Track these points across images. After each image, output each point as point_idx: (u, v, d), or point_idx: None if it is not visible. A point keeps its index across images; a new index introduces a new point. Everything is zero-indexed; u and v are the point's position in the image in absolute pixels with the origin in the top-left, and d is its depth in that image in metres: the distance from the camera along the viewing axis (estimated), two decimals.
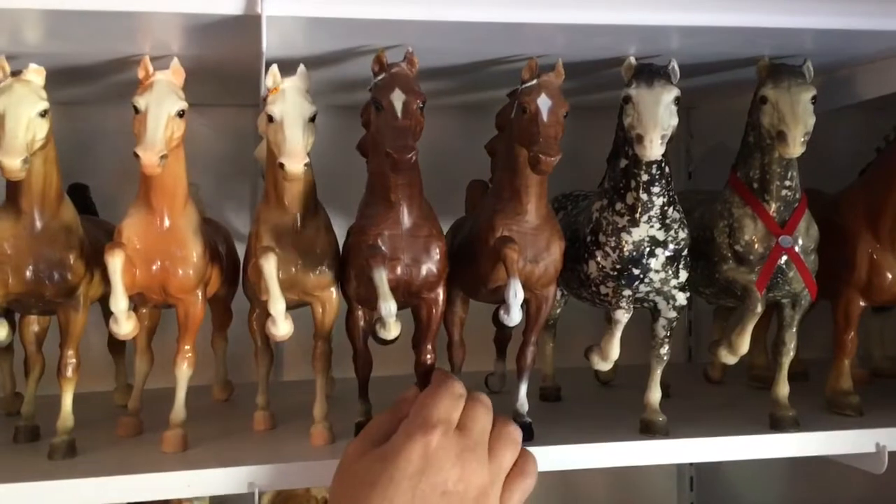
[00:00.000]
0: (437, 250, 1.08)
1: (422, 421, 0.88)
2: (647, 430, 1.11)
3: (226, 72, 1.19)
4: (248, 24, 0.90)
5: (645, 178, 1.06)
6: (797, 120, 1.04)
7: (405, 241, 1.06)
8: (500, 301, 1.18)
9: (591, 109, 1.34)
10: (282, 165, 0.95)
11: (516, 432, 0.93)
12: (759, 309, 1.08)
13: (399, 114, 0.98)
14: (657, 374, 1.14)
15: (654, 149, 0.99)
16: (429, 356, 1.11)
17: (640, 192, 1.07)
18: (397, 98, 0.99)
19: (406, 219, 1.06)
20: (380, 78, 1.02)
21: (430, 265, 1.07)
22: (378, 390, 1.14)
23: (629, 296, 1.09)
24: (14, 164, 0.91)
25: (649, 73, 1.04)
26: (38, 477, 0.97)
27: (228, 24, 0.91)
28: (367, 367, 1.18)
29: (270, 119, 0.98)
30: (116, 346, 1.35)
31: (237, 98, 1.45)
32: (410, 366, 1.12)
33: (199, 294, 1.07)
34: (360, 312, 1.16)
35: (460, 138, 1.56)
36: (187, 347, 1.09)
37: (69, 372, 1.06)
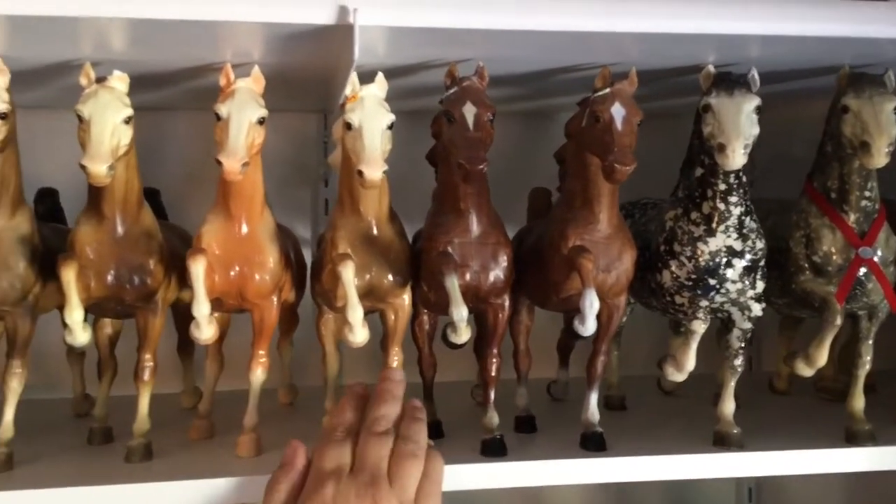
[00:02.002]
0: (505, 257, 1.09)
1: (313, 478, 0.90)
2: (722, 443, 1.10)
3: (297, 78, 1.19)
4: (336, 33, 0.91)
5: (722, 187, 1.05)
6: (881, 130, 1.03)
7: (474, 248, 1.08)
8: (570, 310, 1.19)
9: (656, 116, 1.34)
10: (360, 173, 0.96)
11: (411, 444, 0.92)
12: (839, 321, 1.07)
13: (470, 126, 1.01)
14: (731, 385, 1.12)
15: (737, 158, 0.98)
16: (494, 361, 1.12)
17: (717, 201, 1.06)
18: (469, 110, 1.01)
19: (475, 226, 1.08)
20: (451, 91, 1.04)
21: (497, 272, 1.09)
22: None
23: (706, 306, 1.08)
24: (100, 170, 0.92)
25: (729, 81, 1.03)
26: (117, 480, 0.98)
27: (316, 33, 0.92)
28: (432, 370, 1.22)
29: (349, 126, 0.99)
30: (186, 349, 1.36)
31: (301, 104, 1.46)
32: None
33: (275, 299, 1.08)
34: (425, 317, 1.19)
35: (521, 145, 1.56)
36: (262, 352, 1.10)
37: (146, 375, 1.08)
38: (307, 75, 1.16)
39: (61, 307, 1.14)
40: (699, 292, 1.07)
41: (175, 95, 1.30)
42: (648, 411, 1.34)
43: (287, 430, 1.20)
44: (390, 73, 1.02)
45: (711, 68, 1.06)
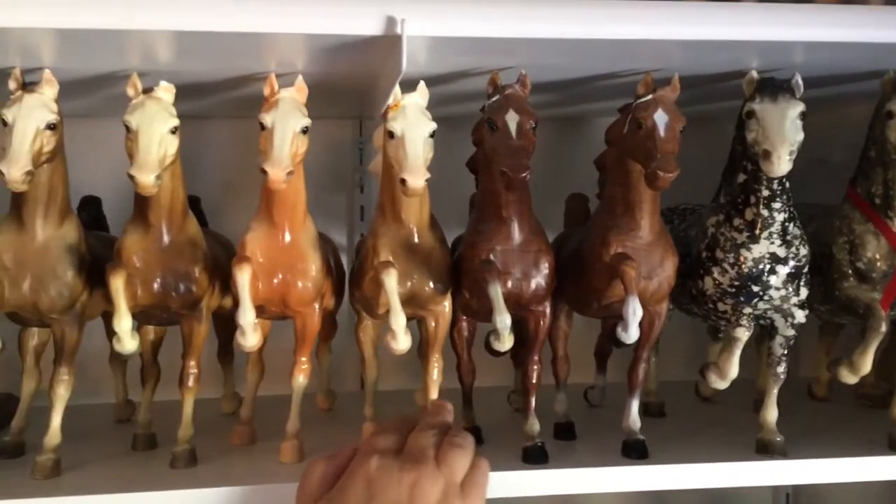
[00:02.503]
0: (546, 265, 1.09)
1: (358, 455, 0.89)
2: (765, 450, 1.10)
3: (335, 86, 1.20)
4: (381, 43, 0.91)
5: (766, 193, 1.05)
6: None
7: (516, 255, 1.08)
8: (611, 316, 1.19)
9: (692, 121, 1.33)
10: (403, 181, 0.96)
11: (461, 439, 0.92)
12: (884, 328, 1.06)
13: (513, 134, 1.01)
14: (773, 393, 1.12)
15: (783, 165, 0.97)
16: (535, 368, 1.12)
17: (761, 207, 1.05)
18: (511, 119, 1.01)
19: (517, 234, 1.08)
20: (494, 99, 1.04)
21: (539, 279, 1.09)
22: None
23: (749, 313, 1.07)
24: (148, 180, 0.93)
25: (773, 87, 1.03)
26: (164, 486, 0.99)
27: (362, 44, 0.93)
28: (471, 377, 1.22)
29: (391, 135, 0.99)
30: (226, 354, 1.38)
31: (337, 111, 1.47)
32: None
33: (317, 307, 1.09)
34: (464, 323, 1.19)
35: (556, 150, 1.56)
36: (304, 359, 1.11)
37: (191, 382, 1.09)
38: (346, 83, 1.17)
39: (105, 314, 1.16)
40: (742, 299, 1.07)
41: (214, 104, 1.31)
42: (687, 418, 1.33)
43: (327, 435, 1.22)
44: (431, 81, 1.03)
45: (755, 74, 1.05)
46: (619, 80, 1.17)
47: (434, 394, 1.12)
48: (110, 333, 1.26)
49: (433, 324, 1.11)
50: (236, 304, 1.02)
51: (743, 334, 1.07)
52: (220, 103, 1.30)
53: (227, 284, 1.12)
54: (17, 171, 0.91)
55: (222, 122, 1.50)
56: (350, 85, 1.18)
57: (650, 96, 1.03)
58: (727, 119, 1.28)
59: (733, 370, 1.07)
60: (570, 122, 1.50)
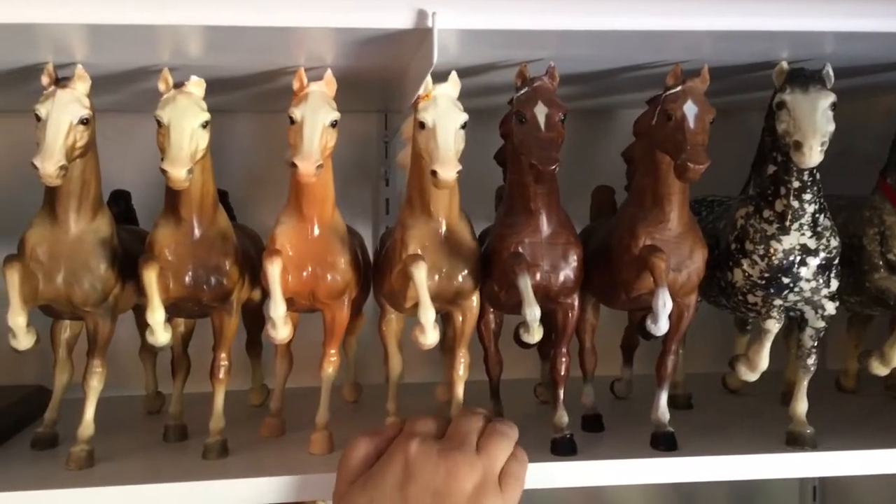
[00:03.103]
0: (575, 257, 1.09)
1: (399, 438, 0.90)
2: (795, 442, 1.09)
3: (361, 80, 1.20)
4: (411, 36, 0.92)
5: (796, 184, 1.04)
6: None
7: (544, 248, 1.08)
8: (639, 309, 1.19)
9: (719, 112, 1.32)
10: (434, 173, 0.95)
11: (506, 427, 0.92)
12: None
13: (542, 126, 1.01)
14: (803, 385, 1.11)
15: (814, 156, 0.97)
16: (563, 360, 1.12)
17: (791, 198, 1.05)
18: (540, 111, 1.01)
19: (545, 226, 1.08)
20: (522, 91, 1.04)
21: (567, 271, 1.09)
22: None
23: (780, 305, 1.07)
24: (180, 174, 0.94)
25: (804, 77, 1.02)
26: (196, 476, 1.01)
27: (391, 37, 0.93)
28: (498, 369, 1.22)
29: (422, 126, 0.99)
30: (254, 347, 1.38)
31: (362, 104, 1.47)
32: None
33: (346, 299, 1.09)
34: (491, 316, 1.19)
35: (582, 142, 1.55)
36: (332, 352, 1.11)
37: (222, 374, 1.10)
38: (373, 76, 1.17)
39: (136, 307, 1.17)
40: (772, 291, 1.06)
41: (240, 98, 1.32)
42: (715, 410, 1.33)
43: (354, 427, 1.22)
44: (458, 74, 1.03)
45: (785, 65, 1.05)
46: (647, 72, 1.16)
47: (460, 390, 1.12)
48: (142, 326, 1.27)
49: (461, 318, 1.11)
50: (265, 296, 1.02)
51: (773, 326, 1.06)
52: (245, 97, 1.31)
53: (256, 277, 1.13)
54: (51, 165, 0.92)
55: (247, 116, 1.51)
56: (377, 78, 1.18)
57: (679, 87, 1.03)
58: (754, 109, 1.27)
59: (763, 362, 1.07)
60: (596, 113, 1.49)
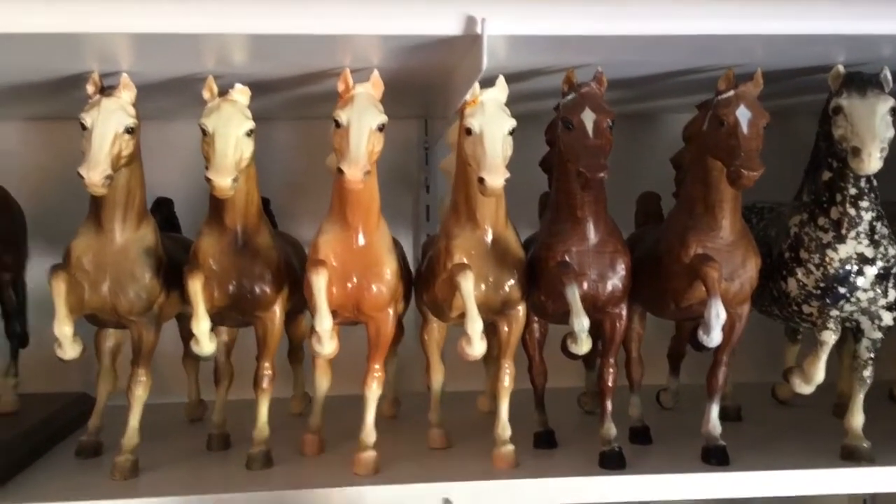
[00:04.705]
0: (623, 266, 1.07)
1: None
2: (851, 457, 1.06)
3: (403, 85, 1.19)
4: (460, 43, 0.90)
5: (853, 191, 1.02)
6: None
7: (592, 256, 1.06)
8: (689, 318, 1.17)
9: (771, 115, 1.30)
10: (482, 180, 0.93)
11: None
12: None
13: (590, 132, 0.99)
14: (860, 397, 1.08)
15: (873, 163, 0.94)
16: (611, 371, 1.10)
17: (847, 206, 1.02)
18: (588, 117, 0.99)
19: (592, 235, 1.06)
20: (569, 97, 1.02)
21: (615, 280, 1.07)
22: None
23: (836, 315, 1.04)
24: (225, 182, 0.94)
25: (861, 81, 0.99)
26: (239, 488, 1.00)
27: (440, 43, 0.91)
28: (543, 378, 1.20)
29: (469, 132, 0.98)
30: (296, 355, 1.38)
31: (403, 110, 1.45)
32: None
33: (391, 311, 1.07)
34: (535, 325, 1.17)
35: (625, 148, 1.52)
36: (377, 367, 1.08)
37: (265, 383, 1.09)
38: (415, 82, 1.16)
39: (179, 316, 1.17)
40: (828, 301, 1.04)
41: (277, 103, 1.31)
42: (765, 422, 1.29)
43: (397, 440, 1.20)
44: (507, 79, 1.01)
45: (841, 68, 1.02)
46: (696, 76, 1.14)
47: (505, 404, 1.09)
48: (185, 335, 1.27)
49: (506, 328, 1.09)
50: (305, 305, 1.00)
51: (830, 338, 1.03)
52: (284, 102, 1.30)
53: (298, 286, 1.11)
54: (96, 174, 0.92)
55: (286, 123, 1.50)
56: (419, 83, 1.17)
57: (732, 92, 1.00)
58: (803, 113, 1.25)
59: (820, 375, 1.04)
60: (641, 118, 1.47)
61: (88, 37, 0.91)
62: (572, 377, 1.40)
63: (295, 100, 1.29)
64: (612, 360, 1.10)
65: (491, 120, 0.96)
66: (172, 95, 1.21)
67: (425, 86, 1.20)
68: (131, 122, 0.98)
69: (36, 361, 1.38)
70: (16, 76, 1.07)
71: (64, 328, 0.94)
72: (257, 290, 1.04)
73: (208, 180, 0.94)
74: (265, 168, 1.48)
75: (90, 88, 1.00)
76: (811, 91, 1.14)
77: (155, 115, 1.31)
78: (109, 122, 0.96)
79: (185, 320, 1.23)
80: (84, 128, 0.96)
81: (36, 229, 1.36)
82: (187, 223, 1.33)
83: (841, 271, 1.02)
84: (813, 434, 1.20)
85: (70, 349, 0.95)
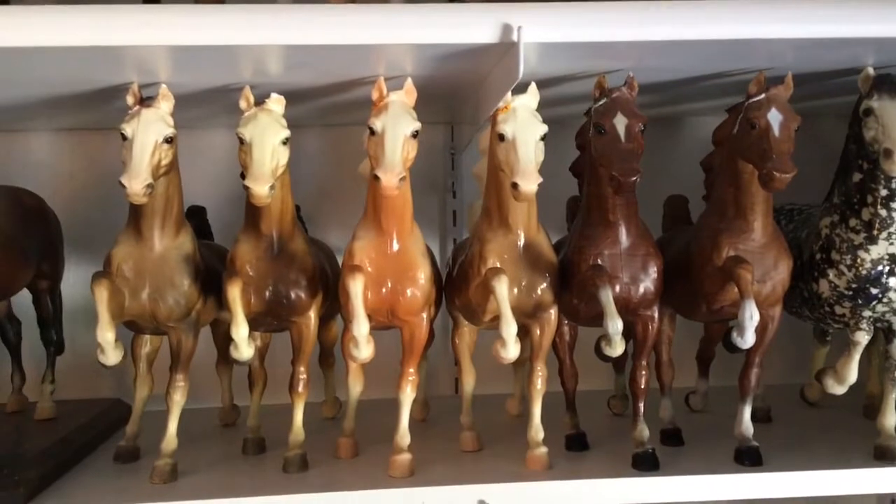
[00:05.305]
0: (655, 269, 1.07)
1: None
2: (884, 457, 1.06)
3: (434, 91, 1.20)
4: (495, 50, 0.91)
5: (884, 192, 1.02)
6: None
7: (624, 260, 1.07)
8: (720, 320, 1.17)
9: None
10: (515, 185, 0.95)
11: None
12: None
13: (622, 137, 1.00)
14: (891, 398, 1.09)
15: None
16: (643, 373, 1.11)
17: (879, 207, 1.02)
18: (620, 122, 1.01)
19: (624, 238, 1.07)
20: (601, 102, 1.03)
21: (647, 283, 1.07)
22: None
23: (868, 316, 1.04)
24: (263, 190, 0.95)
25: (891, 83, 1.00)
26: (276, 490, 1.01)
27: (475, 51, 0.93)
28: (574, 381, 1.21)
29: (501, 137, 0.99)
30: (327, 360, 1.39)
31: (429, 115, 1.45)
32: None
33: (425, 316, 1.08)
34: (566, 328, 1.18)
35: (653, 151, 1.52)
36: (411, 370, 1.09)
37: (300, 387, 1.10)
38: (445, 88, 1.17)
39: (213, 321, 1.19)
40: (860, 302, 1.04)
41: (308, 111, 1.32)
42: (795, 423, 1.30)
43: (430, 443, 1.21)
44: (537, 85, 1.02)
45: (871, 70, 1.02)
46: (725, 80, 1.15)
47: (538, 407, 1.10)
48: (220, 341, 1.29)
49: (538, 331, 1.09)
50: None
51: (863, 338, 1.03)
52: (313, 110, 1.31)
53: (330, 292, 1.13)
54: (138, 184, 0.94)
55: (315, 130, 1.52)
56: (449, 89, 1.18)
57: (762, 95, 1.01)
58: (831, 115, 1.25)
59: (852, 375, 1.04)
60: (668, 122, 1.47)
61: (130, 49, 0.93)
62: (602, 380, 1.41)
63: (324, 107, 1.30)
64: (643, 363, 1.11)
65: (523, 126, 0.98)
66: (203, 105, 1.22)
67: (453, 92, 1.21)
68: (170, 131, 1.00)
69: (69, 367, 1.41)
70: (58, 88, 1.09)
71: (107, 334, 0.96)
72: (293, 295, 1.06)
73: (246, 188, 0.95)
74: (294, 176, 1.51)
75: (130, 99, 1.01)
76: (840, 93, 1.14)
77: (184, 124, 1.33)
78: (149, 132, 0.98)
79: (218, 326, 1.26)
80: (124, 138, 0.98)
81: (69, 239, 1.38)
82: (218, 230, 1.35)
83: (873, 272, 1.03)
84: (843, 434, 1.20)
85: (113, 355, 0.97)
